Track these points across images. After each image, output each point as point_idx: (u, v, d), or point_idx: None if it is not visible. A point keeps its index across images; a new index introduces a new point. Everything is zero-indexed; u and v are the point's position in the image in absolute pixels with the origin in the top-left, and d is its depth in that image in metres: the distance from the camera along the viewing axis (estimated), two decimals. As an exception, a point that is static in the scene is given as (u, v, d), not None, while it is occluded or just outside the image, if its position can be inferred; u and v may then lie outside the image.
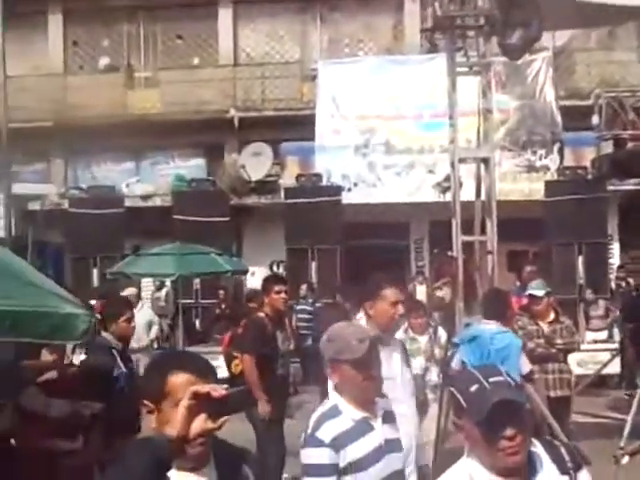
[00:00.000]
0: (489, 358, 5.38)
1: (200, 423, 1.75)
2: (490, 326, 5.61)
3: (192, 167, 17.62)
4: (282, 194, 14.55)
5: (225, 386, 1.86)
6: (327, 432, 2.67)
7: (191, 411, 1.74)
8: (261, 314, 5.95)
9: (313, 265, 13.55)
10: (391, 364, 3.72)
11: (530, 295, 6.56)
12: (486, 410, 1.98)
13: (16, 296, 2.50)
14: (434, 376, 6.58)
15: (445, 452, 5.84)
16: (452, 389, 2.20)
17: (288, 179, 15.20)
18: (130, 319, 5.09)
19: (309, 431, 2.72)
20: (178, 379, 1.92)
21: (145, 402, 1.97)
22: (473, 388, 2.06)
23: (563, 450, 2.20)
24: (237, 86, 17.32)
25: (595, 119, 9.92)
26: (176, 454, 1.73)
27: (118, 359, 4.84)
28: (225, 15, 17.98)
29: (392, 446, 2.80)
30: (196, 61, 18.25)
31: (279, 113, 16.75)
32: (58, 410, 3.79)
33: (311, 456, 2.68)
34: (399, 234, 16.62)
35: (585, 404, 9.78)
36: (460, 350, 5.64)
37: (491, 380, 2.08)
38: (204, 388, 1.78)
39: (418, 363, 6.60)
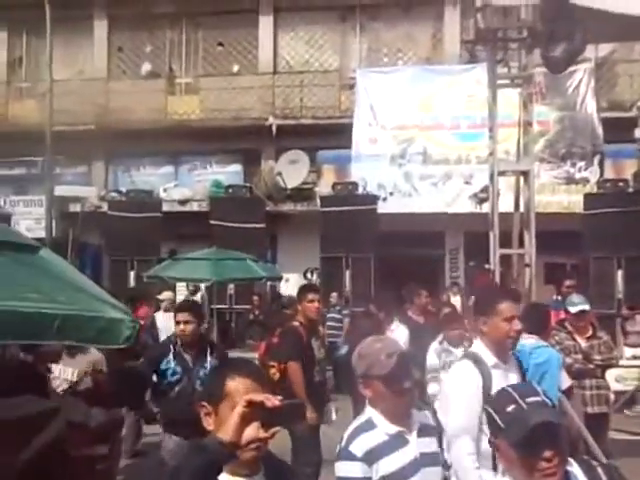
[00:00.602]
0: (528, 373, 5.32)
1: (252, 431, 1.78)
2: (529, 340, 5.54)
3: (229, 173, 17.79)
4: (318, 202, 14.58)
5: (280, 397, 1.89)
6: (360, 446, 2.70)
7: (244, 418, 1.77)
8: (295, 323, 5.98)
9: (347, 273, 13.55)
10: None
11: (567, 310, 6.46)
12: (525, 432, 1.98)
13: (62, 298, 2.55)
14: (468, 389, 6.54)
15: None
16: (488, 408, 2.19)
17: (324, 187, 15.25)
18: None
19: (343, 444, 2.75)
20: (236, 383, 1.95)
21: (203, 404, 2.01)
22: (510, 408, 2.06)
23: (600, 470, 2.19)
24: (276, 94, 17.43)
25: (638, 132, 9.81)
26: (227, 458, 1.76)
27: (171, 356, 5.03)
28: (266, 23, 18.14)
29: (428, 460, 2.80)
30: (236, 68, 18.41)
31: (317, 121, 16.82)
32: (96, 420, 3.88)
33: (344, 470, 2.70)
34: (434, 244, 16.53)
35: (623, 421, 9.61)
36: None
37: (528, 400, 2.07)
38: (259, 397, 1.81)
39: (453, 375, 6.58)
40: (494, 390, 3.19)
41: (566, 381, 5.69)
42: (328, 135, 15.71)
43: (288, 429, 5.72)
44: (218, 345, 6.24)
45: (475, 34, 7.00)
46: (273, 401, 1.80)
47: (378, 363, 2.75)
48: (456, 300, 13.91)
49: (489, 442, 2.23)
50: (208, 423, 1.97)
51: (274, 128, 16.99)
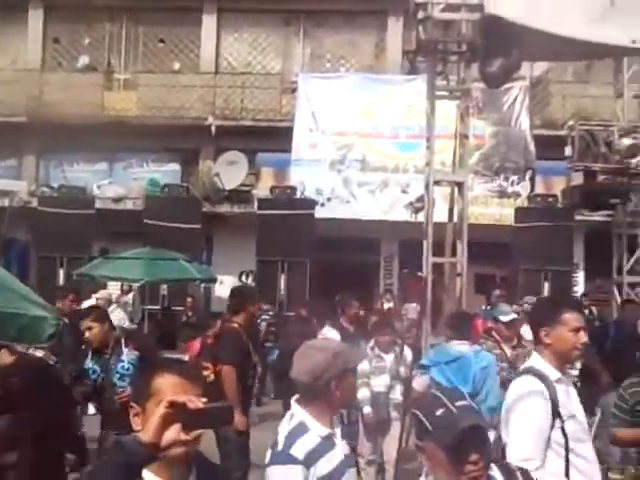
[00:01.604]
0: (475, 378, 5.41)
1: (173, 433, 1.71)
2: (463, 346, 5.63)
3: (166, 172, 17.52)
4: (255, 204, 14.53)
5: (204, 399, 1.83)
6: (301, 449, 2.68)
7: (165, 419, 1.70)
8: (234, 325, 5.92)
9: (282, 277, 13.54)
10: (571, 401, 3.21)
11: (495, 319, 6.62)
12: (454, 435, 2.01)
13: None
14: (398, 394, 6.61)
15: (406, 472, 5.85)
16: (417, 412, 2.22)
17: (262, 190, 15.20)
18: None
19: (280, 448, 2.71)
20: (164, 381, 1.90)
21: (132, 404, 1.95)
22: (439, 412, 2.09)
23: (518, 474, 2.25)
24: (217, 94, 17.28)
25: (568, 150, 10.15)
26: (147, 459, 1.71)
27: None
28: (209, 22, 17.97)
29: (350, 461, 2.85)
30: (177, 66, 18.17)
31: (257, 123, 16.76)
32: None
33: (284, 473, 2.66)
34: (370, 251, 16.70)
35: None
36: (433, 371, 5.59)
37: (457, 404, 2.11)
38: (182, 398, 1.74)
39: (383, 381, 6.64)
40: (560, 407, 3.07)
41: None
42: (268, 138, 15.68)
43: (218, 434, 5.67)
44: (143, 336, 6.20)
45: (416, 45, 7.12)
46: (196, 403, 1.74)
47: (354, 356, 2.88)
48: (389, 307, 14.08)
49: (415, 445, 2.26)
50: (136, 423, 1.91)
51: (213, 128, 16.84)
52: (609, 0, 5.67)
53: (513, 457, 3.00)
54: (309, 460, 2.67)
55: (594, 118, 13.29)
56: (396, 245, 16.50)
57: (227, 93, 17.29)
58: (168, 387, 1.88)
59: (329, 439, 2.77)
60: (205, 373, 5.77)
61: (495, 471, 2.22)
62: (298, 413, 2.80)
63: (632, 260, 11.93)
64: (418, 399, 5.24)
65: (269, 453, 2.76)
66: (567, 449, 3.05)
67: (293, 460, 2.66)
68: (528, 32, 5.89)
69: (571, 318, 3.19)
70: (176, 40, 18.36)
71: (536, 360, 3.24)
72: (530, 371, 3.22)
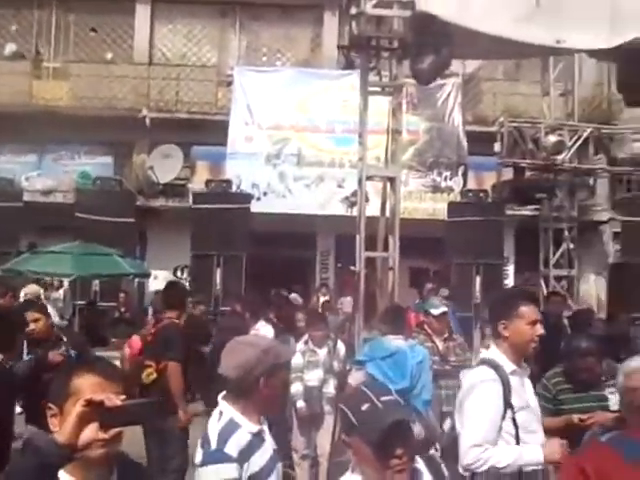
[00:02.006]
0: (412, 373, 5.48)
1: (90, 432, 1.68)
2: (398, 341, 5.70)
3: (98, 165, 17.09)
4: (190, 198, 14.34)
5: (123, 397, 1.80)
6: (234, 446, 2.65)
7: (82, 418, 1.67)
8: (176, 320, 5.85)
9: (218, 272, 13.40)
10: (525, 391, 3.32)
11: (426, 312, 6.74)
12: (380, 430, 2.03)
13: None
14: (331, 389, 6.66)
15: (340, 465, 5.90)
16: (343, 407, 2.23)
17: (197, 184, 15.01)
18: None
19: (213, 447, 2.67)
20: (82, 381, 1.85)
21: (49, 405, 1.89)
22: (365, 407, 2.10)
23: (443, 466, 2.29)
24: (151, 85, 16.95)
25: (497, 146, 10.40)
26: (63, 461, 1.67)
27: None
28: (142, 12, 17.59)
29: (278, 456, 2.86)
30: (109, 56, 17.74)
31: (192, 116, 16.53)
32: None
33: (219, 472, 2.62)
34: (306, 245, 16.73)
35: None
36: (370, 367, 5.63)
37: (383, 399, 2.12)
38: (99, 396, 1.71)
39: (316, 375, 6.68)
40: (513, 398, 3.15)
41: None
42: (203, 131, 15.50)
43: (158, 432, 5.58)
44: (76, 335, 6.07)
45: (349, 40, 7.16)
46: (114, 401, 1.71)
47: (284, 351, 2.86)
48: (325, 300, 14.16)
49: (342, 441, 2.27)
50: (54, 425, 1.85)
51: (148, 120, 16.51)
52: (535, 1, 5.82)
53: (466, 443, 3.12)
54: (243, 457, 2.66)
55: (523, 115, 13.67)
56: (332, 239, 16.59)
57: (162, 85, 16.98)
58: (87, 387, 1.83)
59: (259, 435, 2.76)
60: (148, 371, 5.69)
61: (421, 464, 2.26)
62: (226, 410, 2.78)
63: (558, 254, 12.34)
64: (345, 395, 5.27)
65: (200, 452, 2.71)
66: (517, 439, 3.16)
67: (227, 458, 2.63)
68: (458, 30, 6.00)
69: (528, 311, 3.26)
70: (108, 29, 17.91)
71: (493, 352, 3.33)
72: (485, 362, 3.31)
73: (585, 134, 11.21)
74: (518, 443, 3.16)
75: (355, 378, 5.74)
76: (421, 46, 6.09)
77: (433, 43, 5.99)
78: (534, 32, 5.90)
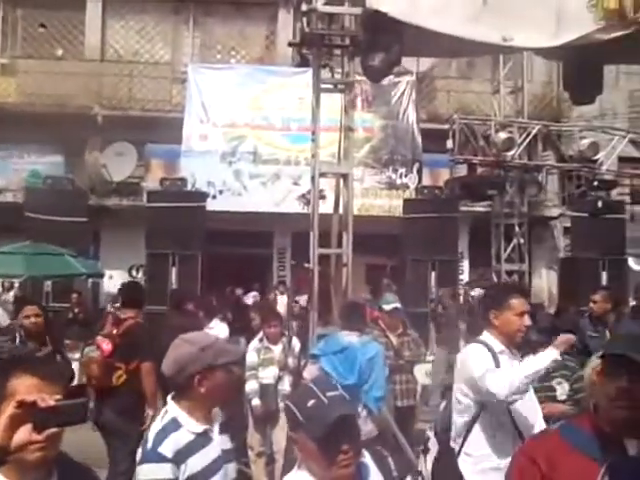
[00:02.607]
0: (362, 368, 5.51)
1: (22, 434, 1.65)
2: (352, 337, 5.73)
3: (49, 163, 16.73)
4: (145, 197, 14.15)
5: (58, 397, 1.77)
6: (170, 446, 2.64)
7: (14, 420, 1.64)
8: (140, 321, 5.82)
9: (174, 271, 13.25)
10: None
11: (379, 308, 6.79)
12: (326, 426, 2.03)
13: None
14: (287, 385, 6.65)
15: (295, 461, 5.90)
16: (288, 403, 2.23)
17: (152, 182, 14.84)
18: None
19: (149, 446, 2.67)
20: (19, 382, 1.81)
21: None
22: (310, 403, 2.10)
23: (390, 460, 2.31)
24: (103, 83, 16.67)
25: (449, 143, 10.54)
26: None
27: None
28: (93, 8, 17.27)
29: (228, 456, 2.83)
30: (59, 52, 17.38)
31: (146, 114, 16.30)
32: None
33: (153, 472, 2.62)
34: (263, 243, 16.69)
35: (431, 413, 10.28)
36: (323, 361, 5.67)
37: (328, 395, 2.13)
38: (31, 397, 1.69)
39: (271, 372, 6.66)
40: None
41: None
42: (158, 129, 15.29)
43: (115, 433, 5.52)
44: (54, 335, 5.98)
45: (301, 37, 7.17)
46: (47, 401, 1.69)
47: (227, 351, 2.77)
48: (283, 299, 14.16)
49: (289, 437, 2.27)
50: None
51: (100, 118, 16.24)
52: (482, 0, 5.91)
53: (483, 377, 3.38)
54: (179, 457, 2.64)
55: (476, 113, 13.89)
56: (289, 237, 16.59)
57: (114, 82, 16.71)
58: (23, 388, 1.80)
59: (204, 435, 2.74)
60: (118, 373, 5.62)
61: (367, 458, 2.27)
62: (171, 409, 2.77)
63: (509, 249, 12.55)
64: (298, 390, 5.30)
65: (139, 451, 2.71)
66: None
67: (161, 458, 2.62)
68: (408, 28, 6.05)
69: (517, 303, 3.55)
70: (59, 25, 17.53)
71: (485, 335, 3.63)
72: (478, 342, 3.63)
73: (534, 131, 11.43)
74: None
75: (310, 372, 5.76)
76: (372, 43, 6.12)
77: (383, 40, 6.03)
78: (482, 30, 5.99)
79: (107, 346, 5.88)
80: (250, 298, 13.17)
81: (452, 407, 3.67)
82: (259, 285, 14.97)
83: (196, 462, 2.67)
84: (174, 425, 2.71)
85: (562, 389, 4.49)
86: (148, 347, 5.57)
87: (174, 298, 8.61)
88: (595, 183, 12.54)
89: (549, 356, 3.35)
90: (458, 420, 3.60)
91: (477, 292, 13.30)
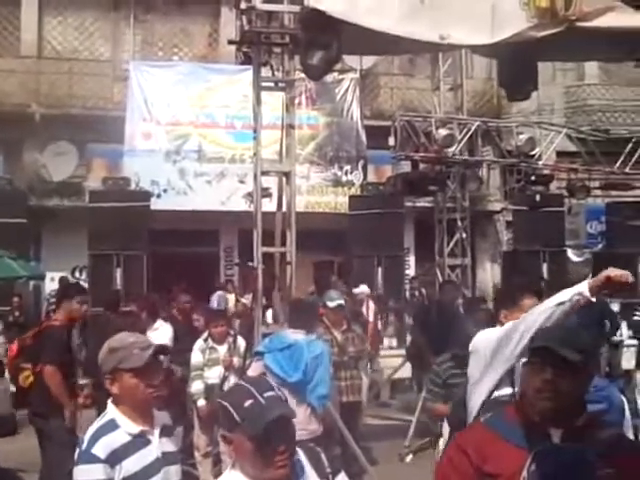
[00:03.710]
0: (307, 366, 5.52)
1: None
2: (298, 335, 5.75)
3: (-15, 164, 16.26)
4: (87, 197, 13.88)
5: None
6: (102, 448, 2.64)
7: None
8: (55, 322, 5.75)
9: (118, 272, 13.04)
10: None
11: (324, 305, 6.83)
12: (263, 426, 2.03)
13: None
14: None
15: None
16: (224, 403, 2.22)
17: (94, 182, 14.55)
18: None
19: (84, 447, 2.68)
20: None
21: None
22: (248, 403, 2.10)
23: (323, 456, 2.33)
24: (41, 80, 16.25)
25: (391, 140, 10.66)
26: None
27: None
28: (29, 3, 16.77)
29: (170, 459, 2.81)
30: (-6, 49, 16.87)
31: (87, 112, 15.96)
32: None
33: (85, 473, 2.63)
34: (209, 242, 16.57)
35: (379, 407, 10.41)
36: (267, 358, 5.67)
37: (265, 395, 2.13)
38: None
39: (217, 372, 6.65)
40: None
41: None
42: (100, 127, 14.98)
43: (44, 437, 5.46)
44: None
45: (240, 35, 7.14)
46: None
47: (131, 356, 2.71)
48: (230, 298, 14.07)
49: (222, 436, 2.26)
50: None
51: (38, 117, 15.82)
52: (419, -1, 6.00)
53: (502, 333, 3.10)
54: (113, 459, 2.64)
55: (418, 110, 14.06)
56: (235, 236, 16.51)
57: (52, 80, 16.29)
58: None
59: (141, 437, 2.73)
60: (25, 374, 5.61)
61: (301, 455, 2.28)
62: (110, 410, 2.77)
63: (452, 243, 12.77)
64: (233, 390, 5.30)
65: (76, 452, 2.71)
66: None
67: (94, 459, 2.62)
68: (347, 26, 6.10)
69: (529, 304, 3.36)
70: (-7, 21, 17.03)
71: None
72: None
73: (474, 127, 11.65)
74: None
75: (254, 369, 5.76)
76: (311, 42, 6.15)
77: (322, 39, 6.06)
78: (419, 29, 6.08)
79: (14, 347, 5.99)
80: (215, 299, 12.98)
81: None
82: (206, 284, 14.85)
83: (132, 463, 2.67)
84: (111, 426, 2.71)
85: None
86: (52, 350, 5.58)
87: (108, 300, 8.62)
88: (533, 177, 12.85)
89: (574, 289, 2.85)
90: None
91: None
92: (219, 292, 13.24)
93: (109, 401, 2.80)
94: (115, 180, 13.67)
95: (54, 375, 5.46)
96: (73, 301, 5.77)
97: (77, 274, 15.37)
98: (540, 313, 2.87)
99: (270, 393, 2.17)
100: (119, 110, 15.58)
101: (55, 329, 5.73)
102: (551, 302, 2.87)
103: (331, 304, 6.75)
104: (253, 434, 2.06)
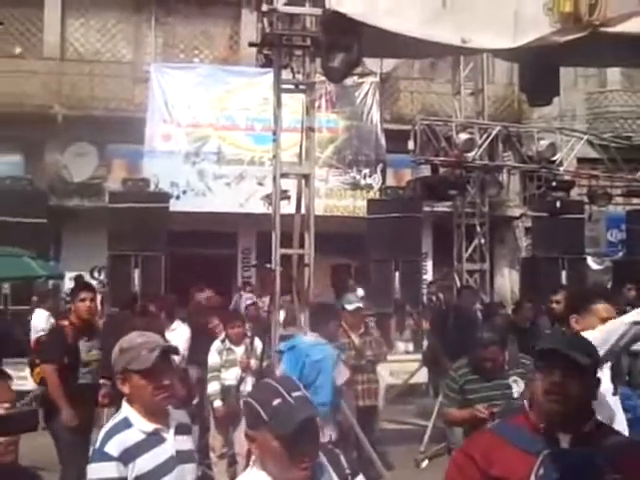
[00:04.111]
0: (304, 368, 5.51)
1: None
2: (309, 338, 5.74)
3: (8, 164, 16.37)
4: (107, 197, 13.98)
5: (6, 405, 1.73)
6: (116, 446, 2.65)
7: None
8: (65, 322, 5.82)
9: (136, 272, 13.11)
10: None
11: (342, 308, 6.81)
12: (293, 426, 2.01)
13: None
14: (249, 387, 6.61)
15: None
16: (251, 401, 2.19)
17: (114, 182, 14.67)
18: None
19: (97, 445, 2.70)
20: None
21: None
22: (276, 402, 2.07)
23: (342, 458, 2.31)
24: (63, 82, 16.40)
25: (411, 144, 10.62)
26: None
27: None
28: (52, 5, 16.99)
29: (184, 457, 2.81)
30: (17, 51, 17.06)
31: (108, 113, 16.09)
32: None
33: (99, 471, 2.64)
34: (227, 244, 16.63)
35: (395, 412, 10.35)
36: (282, 358, 5.75)
37: (294, 395, 2.10)
38: None
39: (234, 374, 6.65)
40: None
41: (341, 377, 5.95)
42: (120, 129, 15.11)
43: (53, 436, 5.49)
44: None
45: (261, 38, 7.16)
46: None
47: (139, 357, 2.73)
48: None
49: (245, 434, 2.24)
50: None
51: (60, 118, 15.98)
52: (441, 1, 5.97)
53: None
54: (126, 457, 2.65)
55: (438, 114, 13.99)
56: (254, 238, 16.54)
57: (74, 81, 16.45)
58: None
59: (155, 435, 2.74)
60: (37, 371, 5.85)
61: (322, 457, 2.26)
62: (125, 409, 2.79)
63: (470, 249, 12.68)
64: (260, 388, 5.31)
65: (91, 450, 2.77)
66: None
67: (107, 457, 2.64)
68: (367, 29, 6.08)
69: (600, 309, 3.50)
70: (16, 23, 17.21)
71: None
72: None
73: (494, 132, 11.58)
74: None
75: (282, 369, 5.77)
76: (331, 44, 6.13)
77: (343, 41, 6.05)
78: (440, 32, 6.04)
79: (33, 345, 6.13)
80: (244, 301, 12.84)
81: None
82: (223, 286, 14.89)
83: (145, 461, 2.68)
84: (124, 424, 2.73)
85: (517, 387, 4.56)
86: (52, 350, 5.69)
87: (125, 299, 8.70)
88: (554, 183, 12.72)
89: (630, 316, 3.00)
90: None
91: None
92: (248, 295, 13.15)
93: (123, 400, 2.82)
94: (135, 181, 13.75)
95: (51, 375, 5.55)
96: (77, 301, 5.82)
97: (96, 274, 15.48)
98: (613, 331, 3.01)
99: (297, 393, 2.12)
100: (140, 112, 15.70)
101: (59, 329, 5.85)
102: (627, 319, 3.03)
103: (349, 307, 6.73)
104: (281, 434, 2.02)
